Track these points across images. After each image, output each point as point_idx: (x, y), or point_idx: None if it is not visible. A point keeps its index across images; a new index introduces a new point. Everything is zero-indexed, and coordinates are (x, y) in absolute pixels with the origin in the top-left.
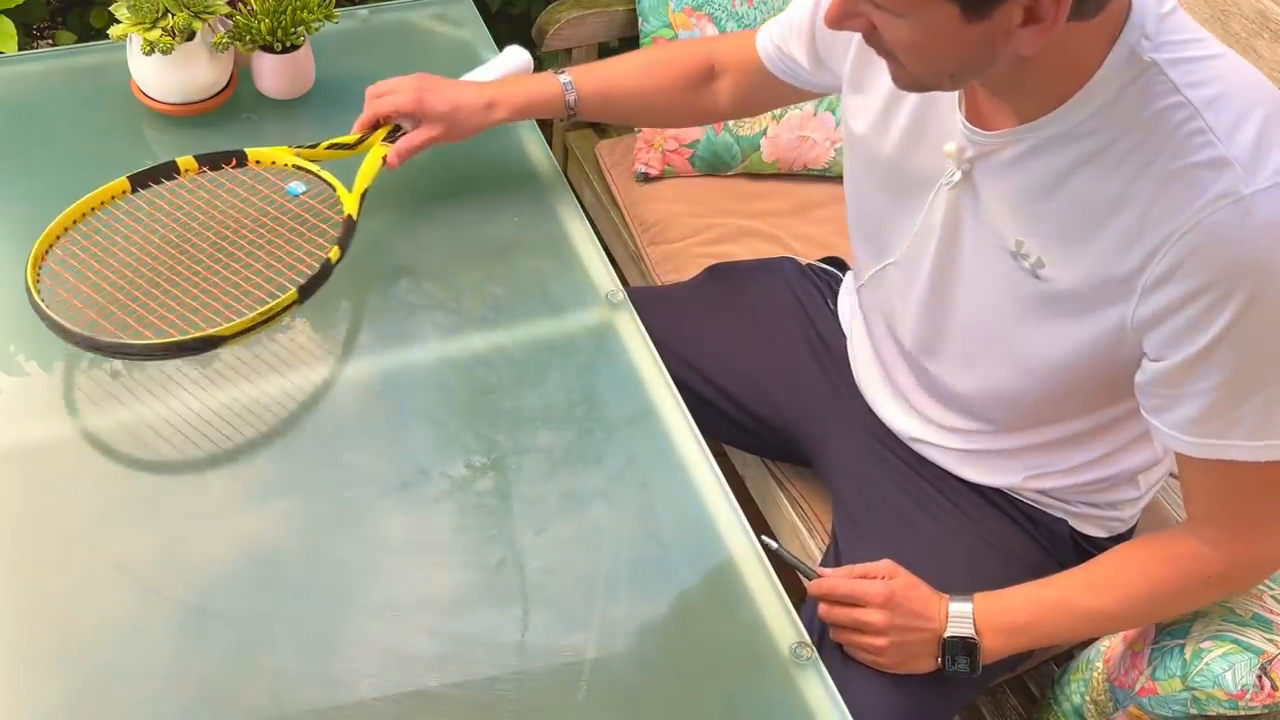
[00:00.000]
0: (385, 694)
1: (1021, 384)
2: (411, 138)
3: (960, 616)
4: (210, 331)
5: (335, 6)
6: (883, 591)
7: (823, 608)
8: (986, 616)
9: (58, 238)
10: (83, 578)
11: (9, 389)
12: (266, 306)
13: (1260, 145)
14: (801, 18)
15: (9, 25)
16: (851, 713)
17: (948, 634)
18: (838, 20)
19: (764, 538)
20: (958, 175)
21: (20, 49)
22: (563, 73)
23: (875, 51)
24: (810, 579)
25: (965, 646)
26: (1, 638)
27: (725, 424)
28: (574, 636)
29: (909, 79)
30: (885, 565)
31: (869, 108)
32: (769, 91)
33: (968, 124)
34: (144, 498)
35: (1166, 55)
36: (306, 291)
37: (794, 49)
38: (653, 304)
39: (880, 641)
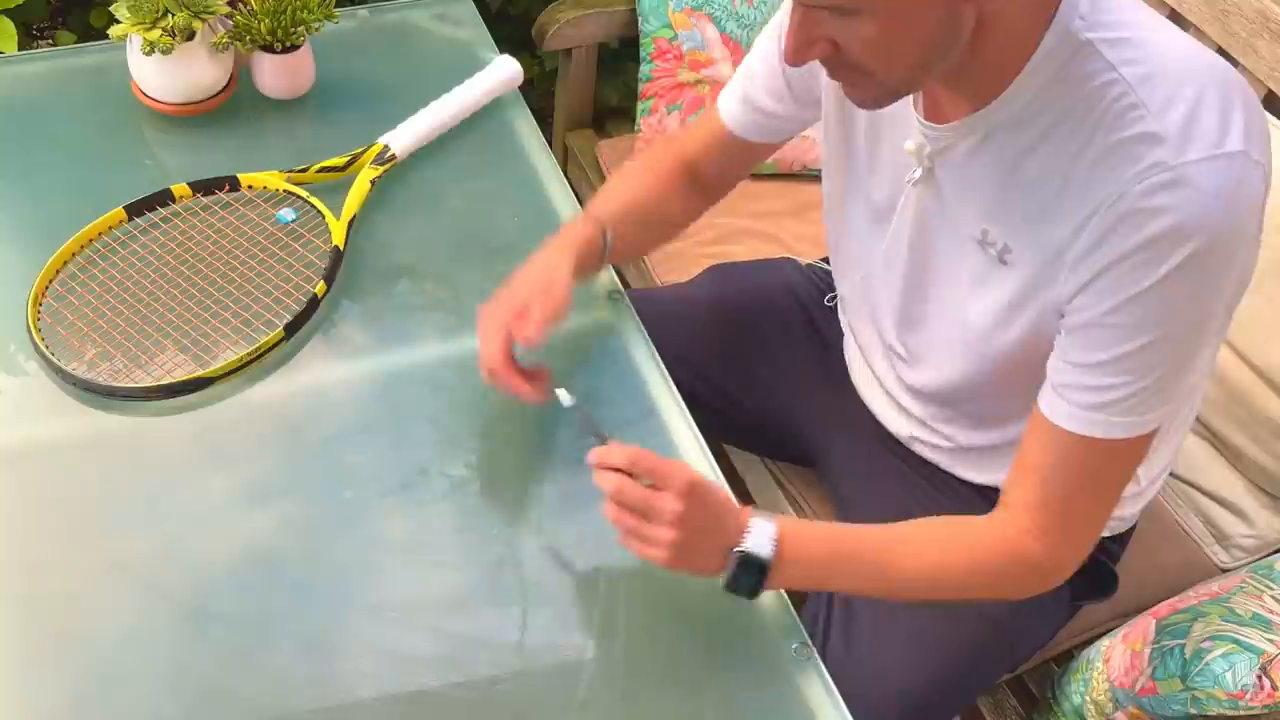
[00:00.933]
0: (385, 694)
1: (989, 377)
2: (538, 324)
3: (762, 534)
4: (199, 374)
5: (335, 6)
6: (688, 479)
7: (610, 481)
8: (787, 543)
9: (57, 272)
10: (83, 578)
11: (9, 389)
12: (255, 346)
13: (1192, 121)
14: (761, 66)
15: (9, 25)
16: (851, 713)
17: (745, 547)
18: (799, 53)
19: (559, 390)
20: (919, 172)
21: (20, 49)
22: (590, 220)
23: (837, 78)
24: (600, 444)
25: (758, 565)
26: (2, 637)
27: (725, 424)
28: (574, 636)
29: (878, 89)
30: (680, 463)
31: (840, 118)
32: (746, 157)
33: (923, 120)
34: (144, 498)
35: (1102, 34)
36: (293, 329)
37: (764, 100)
38: (653, 304)
39: (667, 534)
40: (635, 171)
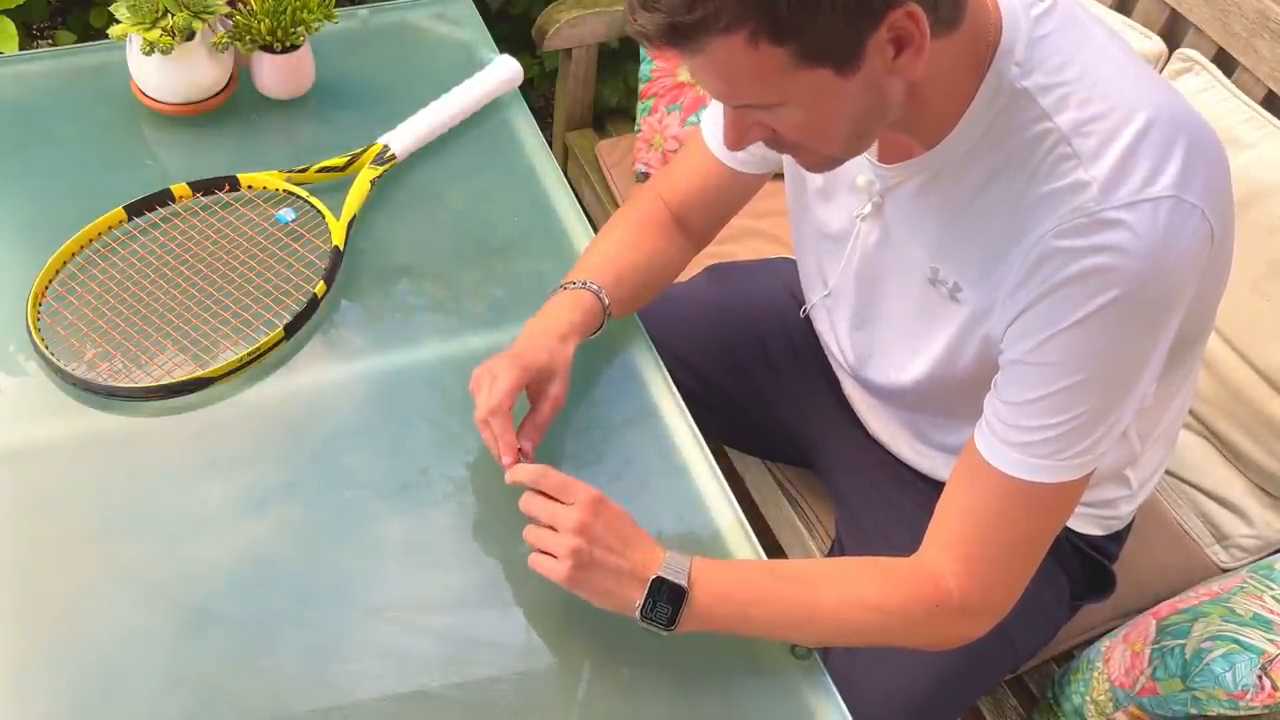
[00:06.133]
0: (385, 695)
1: (943, 395)
2: (541, 411)
3: (677, 566)
4: (200, 374)
5: (335, 6)
6: (594, 494)
7: (526, 497)
8: (701, 573)
9: (57, 272)
10: (82, 578)
11: (9, 389)
12: (254, 346)
13: (1122, 167)
14: None
15: (9, 25)
16: (852, 712)
17: (659, 574)
18: (739, 140)
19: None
20: (868, 207)
21: (20, 49)
22: (581, 282)
23: (784, 152)
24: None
25: (672, 594)
26: (2, 639)
27: (725, 424)
28: (574, 637)
29: (823, 159)
30: (586, 484)
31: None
32: (738, 189)
33: (871, 159)
34: (143, 498)
35: (1038, 80)
36: (293, 329)
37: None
38: (653, 304)
39: (569, 542)
40: (625, 230)
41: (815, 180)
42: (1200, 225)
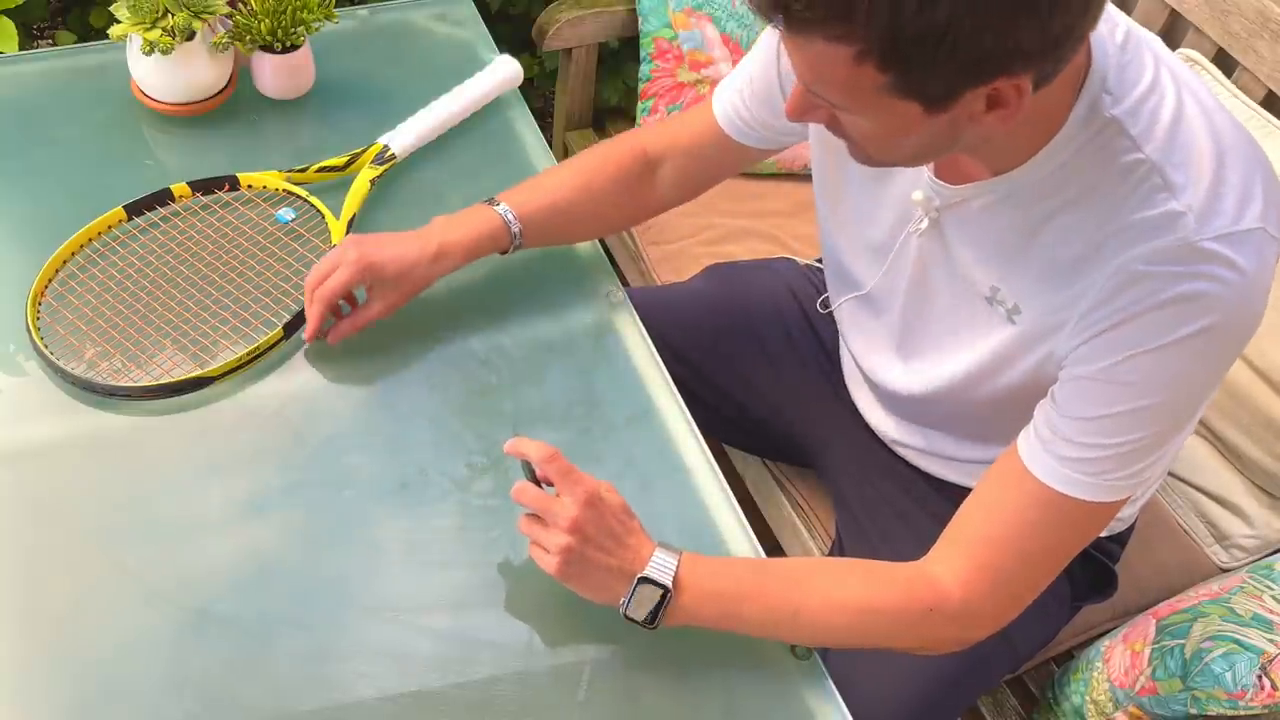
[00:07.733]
0: (386, 694)
1: (973, 407)
2: (359, 315)
3: (663, 564)
4: (200, 373)
5: (335, 6)
6: (591, 489)
7: (518, 487)
8: (688, 571)
9: (56, 271)
10: (82, 578)
11: (9, 389)
12: (254, 345)
13: (1214, 198)
14: (760, 80)
15: (9, 25)
16: (852, 712)
17: (644, 573)
18: (799, 113)
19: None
20: (925, 223)
21: (20, 49)
22: (497, 203)
23: (838, 136)
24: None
25: (656, 591)
26: (3, 640)
27: (725, 424)
28: (574, 636)
29: (868, 160)
30: (607, 484)
31: (835, 148)
32: (728, 158)
33: (933, 177)
34: (143, 497)
35: (1126, 108)
36: (292, 328)
37: (760, 111)
38: (652, 304)
39: (560, 539)
40: (586, 161)
41: (867, 186)
42: (1275, 257)
